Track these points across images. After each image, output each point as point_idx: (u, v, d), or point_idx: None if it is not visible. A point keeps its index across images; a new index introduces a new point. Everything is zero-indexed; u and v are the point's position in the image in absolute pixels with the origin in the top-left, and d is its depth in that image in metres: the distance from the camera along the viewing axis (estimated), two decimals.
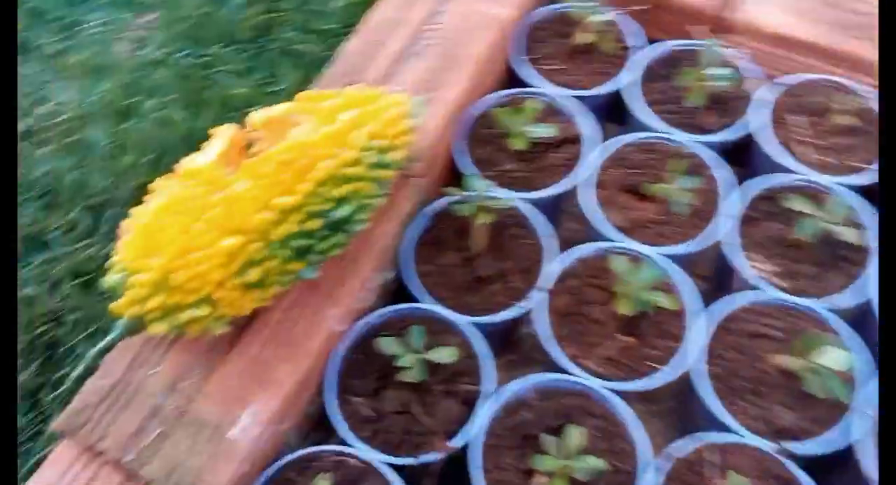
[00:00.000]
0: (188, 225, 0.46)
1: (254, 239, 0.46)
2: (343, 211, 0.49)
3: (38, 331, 0.74)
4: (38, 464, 0.69)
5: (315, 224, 0.48)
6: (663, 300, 0.49)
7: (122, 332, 0.47)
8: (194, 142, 0.87)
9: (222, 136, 0.53)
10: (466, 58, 0.66)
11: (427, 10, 0.69)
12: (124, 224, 0.48)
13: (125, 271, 0.46)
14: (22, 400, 0.71)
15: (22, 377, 0.71)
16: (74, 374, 0.47)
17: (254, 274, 0.46)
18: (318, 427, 0.56)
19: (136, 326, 0.47)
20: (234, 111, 0.90)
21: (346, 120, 0.51)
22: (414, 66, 0.66)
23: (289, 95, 0.90)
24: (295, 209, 0.47)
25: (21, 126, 0.96)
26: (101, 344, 0.47)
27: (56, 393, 0.71)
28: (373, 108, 0.53)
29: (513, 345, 0.65)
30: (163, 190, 0.49)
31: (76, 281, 0.78)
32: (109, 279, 0.46)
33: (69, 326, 0.74)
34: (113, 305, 0.46)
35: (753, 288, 0.54)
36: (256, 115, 0.54)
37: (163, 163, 0.86)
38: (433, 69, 0.65)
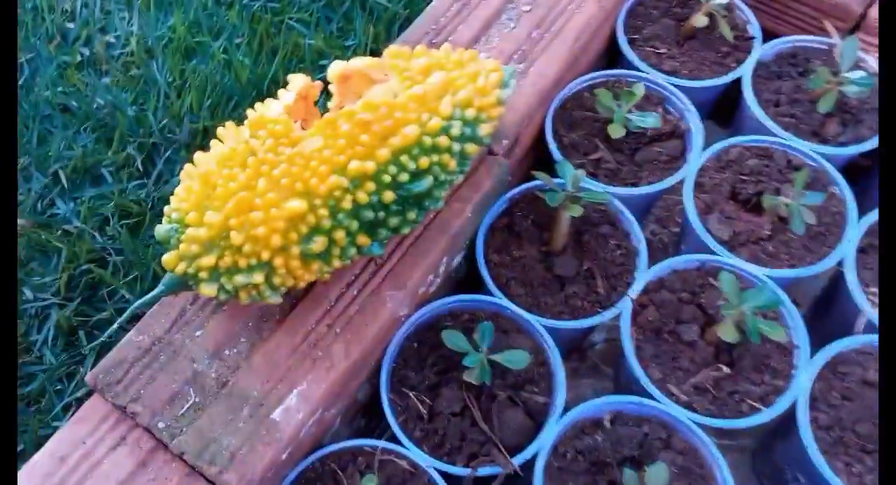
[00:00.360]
0: (252, 180, 0.41)
1: (322, 205, 0.41)
2: (422, 185, 0.44)
3: (81, 269, 0.71)
4: (66, 408, 0.67)
5: (390, 196, 0.43)
6: (771, 330, 0.43)
7: (167, 288, 0.43)
8: (259, 89, 0.83)
9: (294, 86, 0.48)
10: (566, 30, 0.59)
11: None
12: (185, 169, 0.43)
13: (179, 223, 0.42)
14: (57, 337, 0.68)
15: (60, 314, 0.69)
16: (113, 326, 0.44)
17: (318, 244, 0.41)
18: (366, 412, 0.52)
19: (184, 283, 0.43)
20: (303, 62, 0.85)
21: (435, 83, 0.45)
22: (507, 33, 0.60)
23: (362, 51, 0.85)
24: (369, 177, 0.42)
25: (84, 52, 0.93)
26: (144, 298, 0.43)
27: (92, 338, 0.68)
28: (464, 73, 0.47)
29: (579, 351, 0.59)
30: (229, 138, 0.44)
31: (124, 221, 0.75)
32: (161, 229, 0.42)
33: (112, 267, 0.71)
34: (163, 258, 0.41)
35: (873, 328, 0.47)
36: (334, 67, 0.49)
37: (224, 108, 0.82)
38: (528, 39, 0.59)
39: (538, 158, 0.61)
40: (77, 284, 0.72)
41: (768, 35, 0.63)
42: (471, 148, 0.47)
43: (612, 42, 0.64)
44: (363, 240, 0.43)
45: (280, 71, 0.83)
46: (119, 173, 0.79)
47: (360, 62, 0.49)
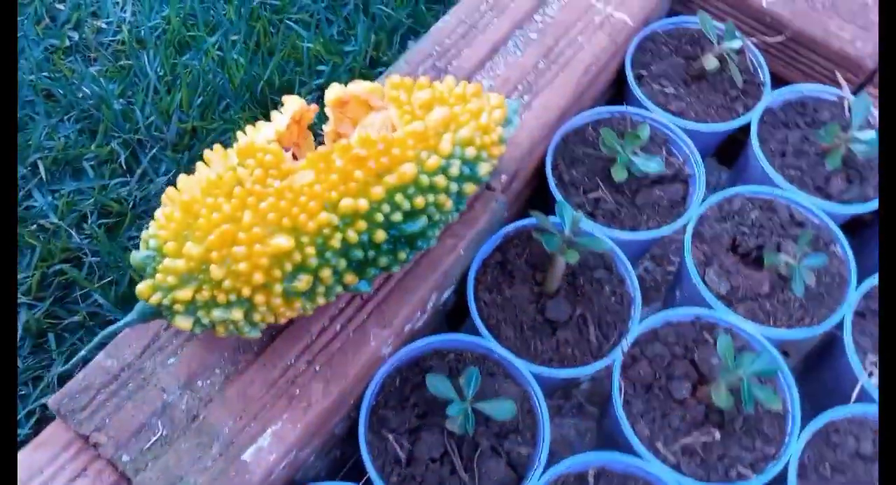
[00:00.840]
0: (237, 212, 0.39)
1: (309, 242, 0.39)
2: (416, 225, 0.42)
3: (55, 269, 0.69)
4: (29, 414, 0.65)
5: (381, 236, 0.41)
6: (767, 399, 0.42)
7: (139, 317, 0.41)
8: (252, 92, 0.80)
9: (289, 109, 0.46)
10: (574, 62, 0.58)
11: None
12: (167, 193, 0.41)
13: (157, 251, 0.39)
14: (25, 339, 0.66)
15: (29, 315, 0.66)
16: (80, 354, 0.41)
17: (303, 282, 0.39)
18: (343, 444, 0.51)
19: (156, 313, 0.41)
20: (300, 65, 0.82)
21: (437, 119, 0.44)
22: (512, 60, 0.58)
23: (362, 58, 0.83)
24: (361, 215, 0.40)
25: (73, 36, 0.89)
26: (114, 326, 0.41)
27: (62, 341, 0.66)
28: (467, 109, 0.45)
29: (564, 389, 0.58)
30: (215, 162, 0.42)
31: (103, 221, 0.72)
32: (137, 256, 0.40)
33: (87, 269, 0.69)
34: (137, 287, 0.39)
35: (868, 397, 0.46)
36: (331, 92, 0.47)
37: (215, 109, 0.79)
38: (534, 68, 0.57)
39: (535, 191, 0.59)
40: (49, 283, 0.69)
41: (778, 81, 0.62)
42: (469, 188, 0.45)
43: (620, 76, 0.62)
44: (350, 279, 0.42)
45: (275, 74, 0.80)
46: (101, 168, 0.76)
47: (359, 87, 0.47)
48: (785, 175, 0.55)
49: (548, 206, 0.57)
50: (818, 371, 0.55)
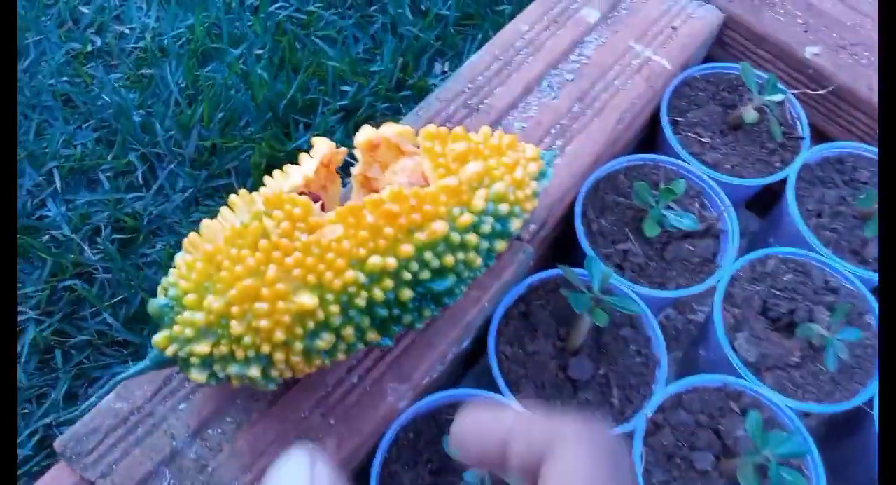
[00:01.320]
0: (261, 266, 0.37)
1: (334, 301, 0.38)
2: (444, 284, 0.40)
3: (65, 284, 0.68)
4: (32, 434, 0.64)
5: (408, 294, 0.39)
6: (795, 482, 0.41)
7: (153, 364, 0.40)
8: (275, 111, 0.79)
9: (317, 152, 0.44)
10: (609, 107, 0.56)
11: (571, 37, 0.60)
12: (189, 238, 0.40)
13: (175, 301, 0.38)
14: (31, 355, 0.65)
15: (36, 331, 0.65)
16: (90, 400, 0.40)
17: (325, 342, 0.38)
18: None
19: (171, 362, 0.39)
20: (324, 84, 0.81)
21: (471, 173, 0.42)
22: (546, 102, 0.56)
23: (388, 80, 0.81)
24: (389, 273, 0.39)
25: (96, 41, 0.88)
26: (127, 373, 0.39)
27: (69, 359, 0.65)
28: (501, 162, 0.44)
29: None
30: (240, 209, 0.40)
31: (116, 236, 0.71)
32: (155, 303, 0.39)
33: (98, 286, 0.68)
34: (154, 338, 0.38)
35: None
36: (362, 134, 0.46)
37: (235, 125, 0.78)
38: (568, 112, 0.56)
39: (560, 235, 0.58)
40: (59, 298, 0.68)
41: (817, 134, 0.60)
42: (500, 245, 0.43)
43: (654, 121, 0.60)
44: (373, 336, 0.40)
45: (299, 92, 0.79)
46: (117, 181, 0.75)
47: (390, 131, 0.46)
48: (820, 237, 0.54)
49: (573, 253, 0.56)
50: (841, 438, 0.54)
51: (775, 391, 0.47)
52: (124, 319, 0.66)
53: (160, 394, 0.44)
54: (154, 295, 0.39)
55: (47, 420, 0.62)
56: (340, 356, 0.41)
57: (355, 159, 0.47)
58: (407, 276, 0.39)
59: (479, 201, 0.41)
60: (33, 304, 0.67)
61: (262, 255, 0.38)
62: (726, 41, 0.63)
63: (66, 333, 0.66)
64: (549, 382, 0.48)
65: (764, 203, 0.65)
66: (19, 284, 0.68)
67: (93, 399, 0.40)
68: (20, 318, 0.66)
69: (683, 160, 0.56)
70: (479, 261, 0.42)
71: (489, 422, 0.24)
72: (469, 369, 0.58)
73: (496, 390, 0.47)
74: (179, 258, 0.39)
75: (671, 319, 0.67)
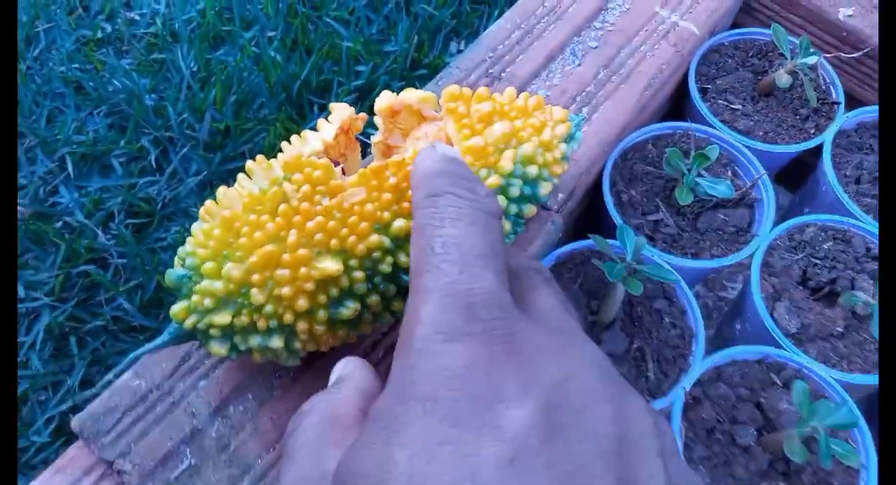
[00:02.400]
0: (281, 231, 0.36)
1: (357, 266, 0.36)
2: None
3: (79, 269, 0.66)
4: (48, 421, 0.63)
5: None
6: (846, 456, 0.39)
7: (171, 339, 0.38)
8: (288, 92, 0.78)
9: (336, 117, 0.42)
10: (636, 74, 0.54)
11: (594, 4, 0.57)
12: (206, 206, 0.38)
13: (193, 271, 0.36)
14: (46, 342, 0.64)
15: (52, 317, 0.64)
16: (107, 377, 0.39)
17: (350, 310, 0.36)
18: None
19: (190, 336, 0.38)
20: (338, 64, 0.79)
21: (497, 134, 0.40)
22: (570, 70, 0.54)
23: (402, 59, 0.80)
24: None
25: (106, 27, 0.87)
26: (144, 348, 0.38)
27: (84, 345, 0.64)
28: (528, 124, 0.42)
29: None
30: (258, 175, 0.39)
31: (130, 221, 0.70)
32: (172, 274, 0.37)
33: (112, 271, 0.66)
34: (172, 309, 0.36)
35: None
36: (382, 99, 0.44)
37: (249, 108, 0.77)
38: (594, 79, 0.54)
39: (587, 209, 0.56)
40: (73, 284, 0.67)
41: (851, 99, 0.58)
42: (529, 210, 0.41)
43: (681, 88, 0.58)
44: (399, 306, 0.38)
45: (313, 73, 0.77)
46: (130, 166, 0.74)
47: (412, 96, 0.44)
48: (860, 204, 0.51)
49: (601, 226, 0.54)
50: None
51: (819, 363, 0.45)
52: (140, 304, 0.65)
53: (179, 371, 0.42)
54: None
55: (63, 407, 0.61)
56: (366, 328, 0.39)
57: (375, 128, 0.45)
58: None
59: (506, 163, 0.39)
60: (47, 290, 0.66)
61: (282, 220, 0.36)
62: (754, 6, 0.61)
63: (81, 319, 0.65)
64: None
65: (793, 176, 0.63)
66: (32, 271, 0.67)
67: (110, 376, 0.38)
68: (34, 304, 0.65)
69: (714, 127, 0.54)
70: (507, 225, 0.40)
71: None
72: None
73: None
74: (196, 227, 0.38)
75: (701, 297, 0.65)
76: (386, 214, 0.37)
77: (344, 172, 0.43)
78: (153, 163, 0.74)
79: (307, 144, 0.40)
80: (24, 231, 0.68)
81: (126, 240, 0.68)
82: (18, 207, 0.70)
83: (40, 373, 0.62)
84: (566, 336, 0.26)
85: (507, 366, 0.22)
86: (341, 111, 0.43)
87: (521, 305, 0.27)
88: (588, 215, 0.56)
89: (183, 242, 0.64)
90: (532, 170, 0.41)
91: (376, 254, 0.37)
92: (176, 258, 0.39)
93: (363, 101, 0.75)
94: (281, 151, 0.41)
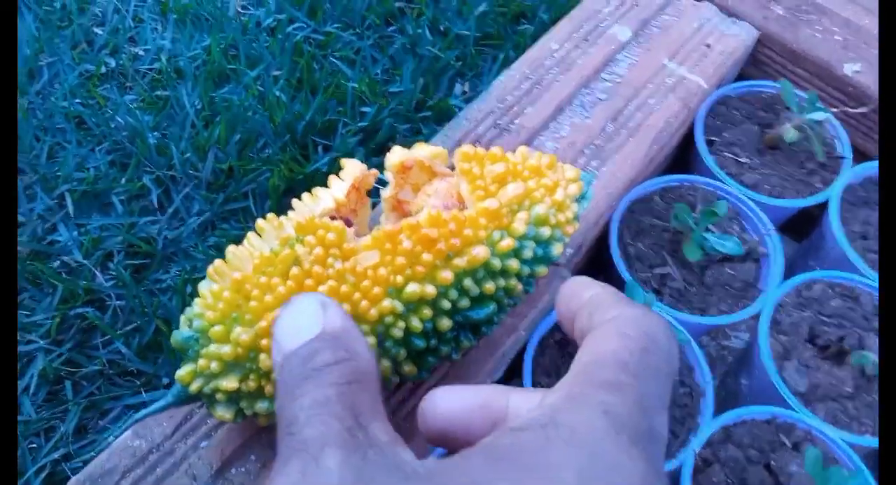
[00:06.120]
0: (292, 295, 0.35)
1: (369, 332, 0.36)
2: (483, 312, 0.38)
3: (76, 311, 0.65)
4: (39, 470, 0.61)
5: (446, 324, 0.37)
6: None
7: (174, 401, 0.37)
8: (293, 133, 0.77)
9: (348, 174, 0.42)
10: (644, 127, 0.54)
11: (602, 55, 0.58)
12: (215, 265, 0.38)
13: (201, 333, 0.36)
14: (39, 386, 0.62)
15: (46, 361, 0.63)
16: (109, 440, 0.38)
17: None
18: None
19: (194, 398, 0.37)
20: (343, 105, 0.79)
21: (511, 195, 0.40)
22: (578, 122, 0.54)
23: (408, 100, 0.80)
24: (427, 302, 0.36)
25: (110, 63, 0.87)
26: (147, 410, 0.37)
27: (79, 390, 0.62)
28: (541, 184, 0.42)
29: None
30: (269, 234, 0.38)
31: (129, 261, 0.69)
32: (179, 336, 0.36)
33: (110, 313, 0.65)
34: (178, 373, 0.36)
35: None
36: (394, 155, 0.44)
37: (252, 147, 0.76)
38: (601, 132, 0.54)
39: (593, 260, 0.56)
40: (70, 326, 0.65)
41: (857, 154, 0.58)
42: (541, 270, 0.41)
43: (688, 140, 0.59)
44: (409, 369, 0.38)
45: (318, 113, 0.77)
46: (131, 204, 0.74)
47: (423, 152, 0.44)
48: (868, 260, 0.51)
49: (608, 278, 0.53)
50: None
51: (828, 424, 0.45)
52: (137, 348, 0.64)
53: (180, 431, 0.41)
54: (168, 322, 0.37)
55: (56, 455, 0.59)
56: None
57: (385, 181, 0.45)
58: (445, 304, 0.37)
59: (519, 225, 0.39)
60: (43, 332, 0.64)
61: (293, 283, 0.35)
62: (761, 59, 0.62)
63: (77, 363, 0.64)
64: None
65: (798, 225, 0.63)
66: (28, 312, 0.66)
67: (110, 438, 0.37)
68: (29, 347, 0.64)
69: (721, 181, 0.54)
70: (519, 287, 0.40)
71: (579, 289, 0.27)
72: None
73: None
74: (204, 287, 0.37)
75: (704, 345, 0.64)
76: (399, 279, 0.36)
77: (350, 224, 0.42)
78: (155, 202, 0.73)
79: (319, 203, 0.40)
80: (21, 270, 0.67)
81: (125, 281, 0.67)
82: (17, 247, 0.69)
83: (33, 419, 0.61)
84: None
85: None
86: (353, 168, 0.43)
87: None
88: (596, 266, 0.56)
89: (183, 284, 0.63)
90: (545, 231, 0.41)
91: (388, 318, 0.36)
92: (183, 318, 0.38)
93: (368, 142, 0.75)
94: (292, 207, 0.41)
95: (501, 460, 0.20)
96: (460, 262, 0.37)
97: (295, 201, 0.40)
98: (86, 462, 0.56)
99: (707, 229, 0.50)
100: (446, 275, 0.37)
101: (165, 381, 0.61)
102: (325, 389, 0.23)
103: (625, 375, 0.22)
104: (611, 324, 0.24)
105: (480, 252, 0.37)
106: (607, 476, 0.19)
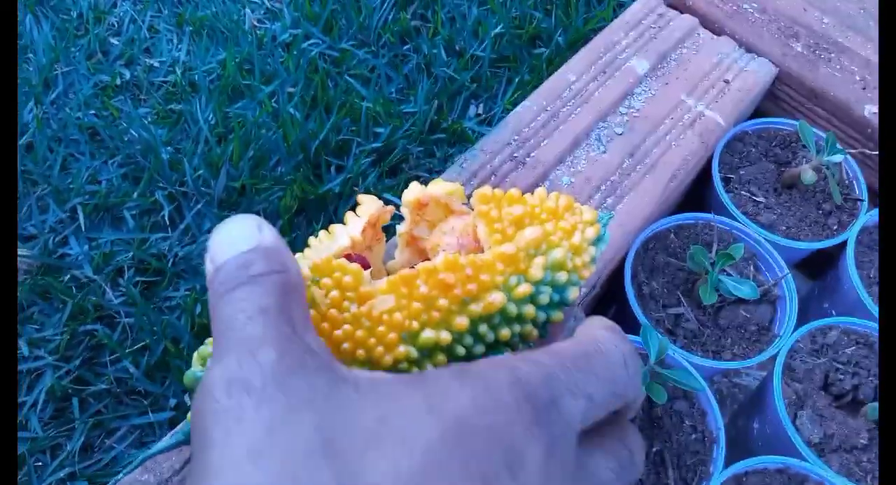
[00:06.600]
0: None
1: None
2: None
3: (85, 328, 0.65)
4: None
5: None
6: None
7: (185, 438, 0.37)
8: (306, 153, 0.77)
9: (364, 211, 0.42)
10: (661, 164, 0.54)
11: (621, 89, 0.58)
12: None
13: None
14: (47, 403, 0.62)
15: (54, 378, 0.63)
16: (119, 476, 0.38)
17: None
18: None
19: None
20: (356, 124, 0.79)
21: (528, 240, 0.40)
22: (595, 156, 0.54)
23: (422, 121, 0.79)
24: (442, 348, 0.36)
25: (125, 74, 0.87)
26: (156, 447, 0.37)
27: (86, 407, 0.62)
28: (559, 227, 0.41)
29: None
30: None
31: (140, 278, 0.69)
32: (191, 374, 0.36)
33: (119, 331, 0.65)
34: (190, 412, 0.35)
35: None
36: (410, 192, 0.43)
37: (266, 165, 0.76)
38: (618, 168, 0.54)
39: (607, 297, 0.55)
40: (79, 343, 0.65)
41: (874, 195, 0.58)
42: (556, 316, 0.41)
43: (704, 175, 0.58)
44: None
45: (331, 133, 0.77)
46: (142, 219, 0.74)
47: (439, 189, 0.43)
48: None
49: (622, 314, 0.53)
50: None
51: (842, 476, 0.44)
52: (145, 368, 0.63)
53: (188, 465, 0.41)
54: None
55: (61, 474, 0.59)
56: None
57: (401, 217, 0.45)
58: (460, 350, 0.37)
59: (536, 270, 0.39)
60: (52, 348, 0.64)
61: None
62: (778, 95, 0.61)
63: (85, 381, 0.64)
64: None
65: (813, 263, 0.63)
66: (37, 327, 0.66)
67: (121, 475, 0.37)
68: (37, 363, 0.64)
69: (737, 220, 0.54)
70: (535, 334, 0.40)
71: None
72: None
73: None
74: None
75: (716, 383, 0.64)
76: (415, 324, 0.36)
77: (366, 266, 0.42)
78: (166, 218, 0.73)
79: (335, 241, 0.40)
80: (31, 284, 0.67)
81: (134, 298, 0.67)
82: (27, 259, 0.69)
83: (39, 436, 0.61)
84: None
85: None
86: (370, 205, 0.42)
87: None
88: (608, 302, 0.56)
89: (193, 303, 0.63)
90: (562, 276, 0.40)
91: (403, 365, 0.36)
92: (196, 356, 0.38)
93: (381, 163, 0.75)
94: (308, 245, 0.40)
95: (415, 383, 0.24)
96: (476, 307, 0.37)
97: (311, 239, 0.40)
98: (91, 481, 0.56)
99: (723, 271, 0.50)
100: (462, 321, 0.36)
101: (172, 402, 0.61)
102: (264, 298, 0.24)
103: (548, 356, 0.25)
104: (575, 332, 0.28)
105: (497, 298, 0.37)
106: (494, 411, 0.22)
